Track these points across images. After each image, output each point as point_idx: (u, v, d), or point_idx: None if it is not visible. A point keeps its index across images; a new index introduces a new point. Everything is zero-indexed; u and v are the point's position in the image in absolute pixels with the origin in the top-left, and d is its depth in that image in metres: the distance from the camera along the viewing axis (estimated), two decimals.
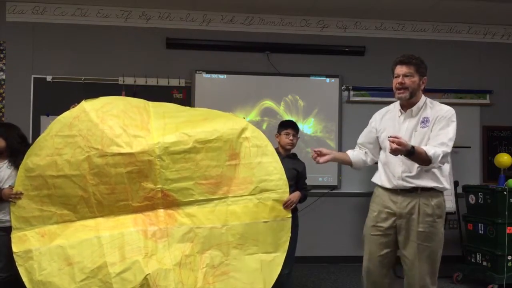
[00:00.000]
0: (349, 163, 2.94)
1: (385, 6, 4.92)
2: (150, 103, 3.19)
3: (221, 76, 5.11)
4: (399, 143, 2.39)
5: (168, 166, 2.88)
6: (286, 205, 2.97)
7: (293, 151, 3.41)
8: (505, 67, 5.49)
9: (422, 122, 2.68)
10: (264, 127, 5.04)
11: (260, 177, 2.98)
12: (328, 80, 5.24)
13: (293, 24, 5.23)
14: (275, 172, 3.02)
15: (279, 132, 3.40)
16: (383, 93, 5.12)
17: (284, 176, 3.04)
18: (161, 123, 3.02)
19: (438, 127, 2.63)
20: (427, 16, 5.22)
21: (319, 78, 5.23)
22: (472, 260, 4.34)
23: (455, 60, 5.41)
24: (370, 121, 2.94)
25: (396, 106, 2.82)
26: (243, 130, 3.05)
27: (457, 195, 4.85)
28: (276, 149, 3.16)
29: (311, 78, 5.22)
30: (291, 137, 3.30)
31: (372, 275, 2.78)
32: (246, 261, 2.87)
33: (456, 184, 4.87)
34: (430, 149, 2.52)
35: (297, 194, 3.13)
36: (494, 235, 4.10)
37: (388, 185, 2.72)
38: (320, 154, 2.78)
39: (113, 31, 5.01)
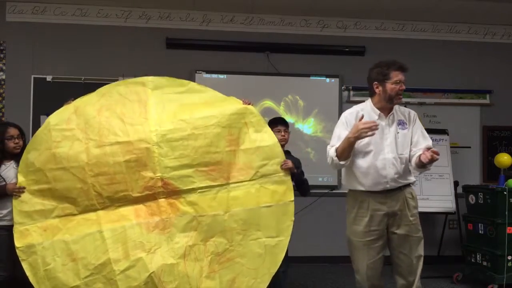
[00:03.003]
0: (348, 157, 2.80)
1: (385, 6, 4.93)
2: (150, 78, 3.07)
3: (221, 76, 5.11)
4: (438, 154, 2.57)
5: (167, 154, 2.87)
6: (283, 163, 2.99)
7: (294, 150, 3.41)
8: (505, 67, 5.49)
9: (400, 124, 2.80)
10: None
11: (260, 162, 2.98)
12: (328, 80, 5.24)
13: (293, 24, 5.23)
14: (275, 157, 3.02)
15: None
16: None
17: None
18: (159, 109, 2.98)
19: (417, 131, 2.82)
20: (427, 16, 5.23)
21: (319, 78, 5.23)
22: (472, 260, 4.33)
23: (455, 60, 5.41)
24: (344, 124, 2.81)
25: (368, 110, 2.80)
26: (242, 115, 3.02)
27: (457, 195, 4.85)
28: None
29: (311, 78, 5.22)
30: (282, 133, 3.31)
31: (372, 279, 2.81)
32: (250, 246, 2.88)
33: (456, 184, 4.87)
34: None
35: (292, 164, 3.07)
36: (494, 235, 4.10)
37: (376, 189, 2.76)
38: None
39: (113, 31, 5.01)
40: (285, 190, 3.01)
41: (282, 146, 3.31)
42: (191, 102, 3.05)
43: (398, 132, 2.78)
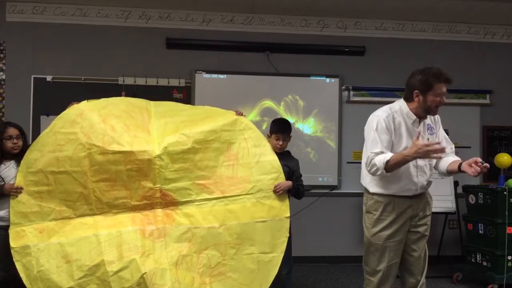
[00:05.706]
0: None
1: (385, 6, 4.92)
2: (152, 102, 3.24)
3: (221, 76, 5.11)
4: None
5: (167, 166, 2.92)
6: (275, 189, 3.02)
7: (294, 150, 3.40)
8: (505, 67, 5.49)
9: (428, 129, 2.78)
10: (264, 127, 5.03)
11: (257, 176, 3.02)
12: (328, 80, 5.24)
13: (293, 24, 5.23)
14: (273, 171, 3.05)
15: (271, 132, 3.31)
16: (383, 93, 5.13)
17: (282, 175, 3.07)
18: (161, 123, 3.06)
19: (441, 135, 2.85)
20: (427, 16, 5.22)
21: (319, 78, 5.23)
22: (472, 260, 4.34)
23: (455, 60, 5.40)
24: (384, 127, 2.66)
25: (403, 113, 2.72)
26: (241, 130, 3.09)
27: (457, 195, 4.85)
28: None
29: (311, 78, 5.22)
30: (281, 142, 3.21)
31: (388, 284, 2.78)
32: (243, 261, 2.89)
33: (456, 184, 4.86)
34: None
35: (288, 182, 3.09)
36: (494, 235, 4.10)
37: (404, 194, 2.73)
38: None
39: (113, 31, 5.01)
40: (281, 206, 3.03)
41: (277, 153, 3.28)
42: (192, 118, 3.13)
43: (428, 138, 2.75)
